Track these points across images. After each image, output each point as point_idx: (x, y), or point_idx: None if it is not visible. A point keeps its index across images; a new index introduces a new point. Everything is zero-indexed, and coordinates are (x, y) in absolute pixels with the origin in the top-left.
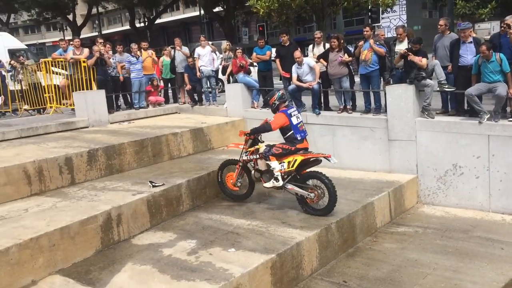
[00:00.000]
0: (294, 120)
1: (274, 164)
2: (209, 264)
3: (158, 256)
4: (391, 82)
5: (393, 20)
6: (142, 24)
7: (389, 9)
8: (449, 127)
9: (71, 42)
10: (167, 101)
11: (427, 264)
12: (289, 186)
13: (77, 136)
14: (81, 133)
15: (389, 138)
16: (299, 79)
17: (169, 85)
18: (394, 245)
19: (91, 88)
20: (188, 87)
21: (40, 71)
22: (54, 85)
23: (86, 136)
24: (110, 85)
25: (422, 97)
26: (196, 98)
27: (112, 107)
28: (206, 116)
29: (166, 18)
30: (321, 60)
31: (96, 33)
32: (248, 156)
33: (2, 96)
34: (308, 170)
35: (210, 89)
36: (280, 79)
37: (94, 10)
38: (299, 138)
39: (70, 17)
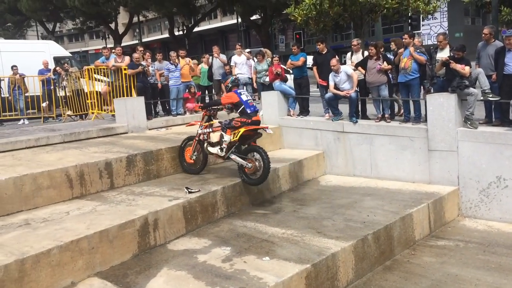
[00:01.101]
0: (244, 97)
1: (227, 137)
2: (244, 272)
3: (193, 262)
4: (432, 91)
5: (433, 27)
6: (181, 32)
7: (429, 16)
8: (493, 137)
9: (113, 50)
10: None
11: (469, 280)
12: (233, 156)
13: (116, 141)
14: (121, 138)
15: (429, 148)
16: (336, 87)
17: (206, 92)
18: (433, 259)
19: (131, 95)
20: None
21: (83, 78)
22: (96, 91)
23: (125, 142)
24: (149, 92)
25: (464, 106)
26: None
27: (150, 113)
28: None
29: (204, 26)
30: (359, 68)
31: (137, 41)
32: (203, 130)
33: (47, 101)
34: (252, 144)
35: None
36: (317, 87)
37: (135, 19)
38: (249, 112)
39: (112, 25)
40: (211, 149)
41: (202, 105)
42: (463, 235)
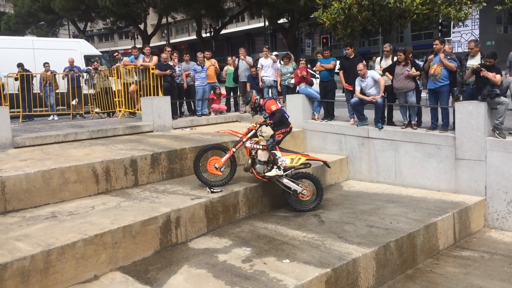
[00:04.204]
0: (279, 104)
1: (279, 153)
2: (263, 273)
3: (213, 261)
4: (461, 99)
5: (464, 35)
6: (208, 34)
7: (460, 23)
8: None
9: (144, 50)
10: (228, 109)
11: None
12: (284, 180)
13: (142, 139)
14: (146, 137)
15: (456, 157)
16: (362, 92)
17: (231, 93)
18: (457, 270)
19: (157, 94)
20: None
21: (112, 76)
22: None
23: (151, 140)
24: (175, 92)
25: (494, 115)
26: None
27: (176, 113)
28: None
29: (231, 29)
30: (387, 73)
31: (164, 42)
32: (253, 145)
33: (76, 98)
34: (302, 170)
35: None
36: (343, 92)
37: (163, 20)
38: (287, 117)
39: (142, 26)
40: (270, 173)
41: (272, 121)
42: (489, 246)
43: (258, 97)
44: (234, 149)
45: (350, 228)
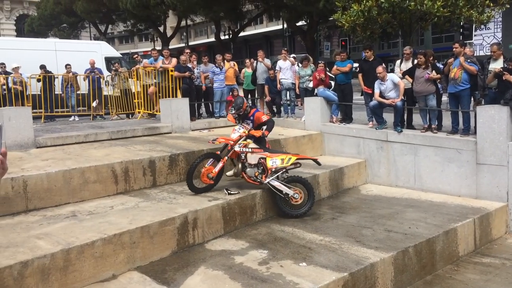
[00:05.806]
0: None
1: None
2: (280, 276)
3: (229, 263)
4: (483, 102)
5: (486, 38)
6: (227, 37)
7: (483, 26)
8: None
9: (163, 52)
10: None
11: None
12: (276, 183)
13: (160, 140)
14: (164, 138)
15: (478, 162)
16: (381, 95)
17: (249, 96)
18: (477, 276)
19: (176, 96)
20: (268, 98)
21: (132, 78)
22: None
23: (169, 141)
24: (193, 94)
25: None
26: (275, 110)
27: (194, 115)
28: (284, 128)
29: (249, 31)
30: (406, 76)
31: (184, 44)
32: (242, 148)
33: (97, 100)
34: (294, 175)
35: (289, 102)
36: (361, 95)
37: (183, 23)
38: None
39: (161, 28)
40: (249, 171)
41: (266, 133)
42: (510, 253)
43: (248, 105)
44: (226, 157)
45: (368, 232)
